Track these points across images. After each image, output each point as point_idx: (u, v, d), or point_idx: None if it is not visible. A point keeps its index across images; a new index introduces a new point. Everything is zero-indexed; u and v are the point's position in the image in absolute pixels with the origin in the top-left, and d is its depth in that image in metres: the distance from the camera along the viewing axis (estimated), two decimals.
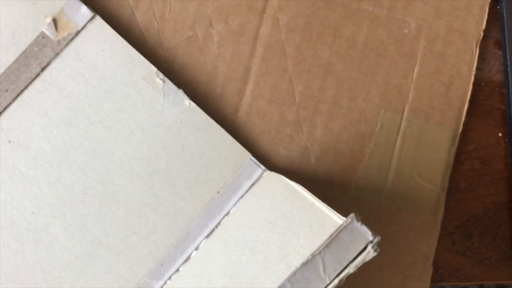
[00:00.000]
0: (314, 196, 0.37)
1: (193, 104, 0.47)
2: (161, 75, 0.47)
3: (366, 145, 0.49)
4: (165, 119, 0.46)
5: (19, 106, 0.46)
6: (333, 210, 0.34)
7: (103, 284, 0.45)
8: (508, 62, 0.51)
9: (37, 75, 0.46)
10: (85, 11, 0.46)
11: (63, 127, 0.46)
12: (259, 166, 0.46)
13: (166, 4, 0.49)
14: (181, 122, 0.47)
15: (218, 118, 0.49)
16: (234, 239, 0.42)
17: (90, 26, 0.47)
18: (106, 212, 0.46)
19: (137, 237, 0.46)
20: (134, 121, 0.46)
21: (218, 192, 0.46)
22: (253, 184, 0.46)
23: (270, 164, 0.49)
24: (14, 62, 0.46)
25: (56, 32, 0.46)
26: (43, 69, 0.46)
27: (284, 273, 0.32)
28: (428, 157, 0.49)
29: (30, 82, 0.46)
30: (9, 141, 0.46)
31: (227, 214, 0.46)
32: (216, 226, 0.46)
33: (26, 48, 0.46)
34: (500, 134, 0.52)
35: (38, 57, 0.46)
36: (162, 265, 0.45)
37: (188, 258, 0.45)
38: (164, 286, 0.45)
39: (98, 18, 0.47)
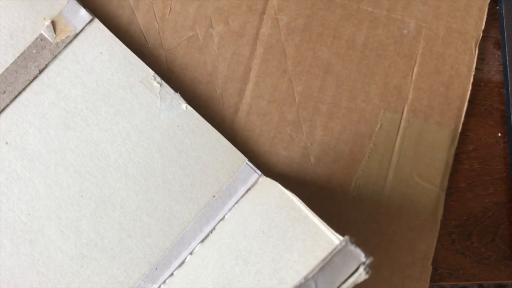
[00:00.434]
0: (308, 208, 0.37)
1: (189, 108, 0.47)
2: (158, 79, 0.47)
3: (366, 145, 0.49)
4: (161, 122, 0.47)
5: (16, 107, 0.46)
6: (326, 225, 0.34)
7: (97, 286, 0.45)
8: (508, 63, 0.51)
9: (35, 77, 0.46)
10: (83, 14, 0.46)
11: (60, 129, 0.46)
12: (255, 171, 0.46)
13: (167, 4, 0.49)
14: (178, 126, 0.47)
15: (218, 118, 0.49)
16: (228, 246, 0.42)
17: (88, 29, 0.47)
18: (101, 215, 0.46)
19: (132, 240, 0.46)
20: (130, 124, 0.46)
21: (214, 196, 0.46)
22: (248, 189, 0.46)
23: (270, 164, 0.49)
24: (12, 64, 0.46)
25: (54, 35, 0.46)
26: (41, 71, 0.46)
27: None
28: (427, 157, 0.49)
29: (28, 84, 0.46)
30: (6, 143, 0.46)
31: (222, 219, 0.46)
32: (211, 231, 0.46)
33: (24, 50, 0.46)
34: (499, 134, 0.52)
35: (36, 59, 0.46)
36: (156, 269, 0.45)
37: (182, 262, 0.45)
38: None
39: (96, 21, 0.47)
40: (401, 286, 0.49)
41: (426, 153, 0.49)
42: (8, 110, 0.46)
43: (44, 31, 0.46)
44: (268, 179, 0.45)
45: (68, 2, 0.46)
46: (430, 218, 0.49)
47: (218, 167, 0.47)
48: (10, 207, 0.45)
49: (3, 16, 0.46)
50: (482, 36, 0.51)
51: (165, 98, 0.47)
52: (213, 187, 0.46)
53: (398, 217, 0.49)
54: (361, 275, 0.31)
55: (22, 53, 0.46)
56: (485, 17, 0.50)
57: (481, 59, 0.52)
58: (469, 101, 0.50)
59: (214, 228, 0.46)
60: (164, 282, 0.45)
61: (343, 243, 0.30)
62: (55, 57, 0.46)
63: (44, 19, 0.46)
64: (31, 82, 0.46)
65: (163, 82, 0.47)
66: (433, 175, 0.49)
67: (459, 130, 0.50)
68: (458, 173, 0.51)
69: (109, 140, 0.46)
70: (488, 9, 0.51)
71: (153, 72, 0.47)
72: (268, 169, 0.49)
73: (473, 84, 0.50)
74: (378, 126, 0.49)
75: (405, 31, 0.50)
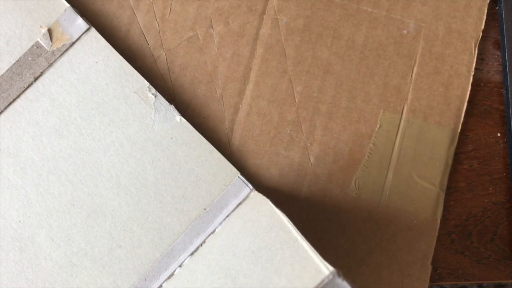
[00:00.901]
0: (297, 229, 0.38)
1: (183, 120, 0.47)
2: (153, 90, 0.47)
3: (366, 145, 0.49)
4: (155, 134, 0.47)
5: (10, 114, 0.46)
6: (314, 250, 0.34)
7: None
8: (507, 63, 0.51)
9: (30, 85, 0.46)
10: (80, 23, 0.46)
11: (53, 137, 0.46)
12: (247, 185, 0.46)
13: (167, 5, 0.49)
14: (171, 138, 0.47)
15: (218, 118, 0.49)
16: (218, 263, 0.42)
17: (84, 38, 0.47)
18: (92, 224, 0.46)
19: (122, 250, 0.46)
20: (124, 135, 0.46)
21: (205, 209, 0.46)
22: (240, 203, 0.46)
23: (270, 164, 0.49)
24: (7, 70, 0.46)
25: (50, 43, 0.46)
26: (36, 78, 0.46)
27: None
28: (427, 157, 0.50)
29: (23, 91, 0.46)
30: None
31: (212, 232, 0.46)
32: (201, 244, 0.46)
33: (20, 57, 0.46)
34: (498, 134, 0.52)
35: (31, 67, 0.46)
36: (145, 280, 0.45)
37: (171, 274, 0.45)
38: None
39: (93, 30, 0.47)
40: (401, 285, 0.49)
41: (426, 153, 0.50)
42: (2, 116, 0.46)
43: (41, 39, 0.46)
44: (260, 194, 0.45)
45: (65, 10, 0.46)
46: (429, 217, 0.49)
47: (210, 180, 0.47)
48: (1, 214, 0.45)
49: (0, 23, 0.46)
50: (482, 36, 0.51)
51: (159, 110, 0.47)
52: (204, 200, 0.46)
53: (397, 217, 0.49)
54: None
55: (17, 60, 0.46)
56: (484, 17, 0.50)
57: (480, 59, 0.52)
58: (469, 101, 0.51)
59: (204, 241, 0.46)
60: None
61: (330, 276, 0.30)
62: (50, 65, 0.46)
63: (41, 26, 0.46)
64: (26, 89, 0.46)
65: (158, 94, 0.47)
66: (432, 175, 0.49)
67: (459, 130, 0.50)
68: (458, 173, 0.51)
69: (102, 150, 0.46)
70: (488, 9, 0.51)
71: (148, 83, 0.47)
72: (267, 169, 0.49)
73: (472, 84, 0.50)
74: (378, 126, 0.50)
75: (405, 31, 0.50)
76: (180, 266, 0.45)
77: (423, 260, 0.49)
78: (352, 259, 0.49)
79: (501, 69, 0.52)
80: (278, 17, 0.50)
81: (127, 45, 0.49)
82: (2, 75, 0.46)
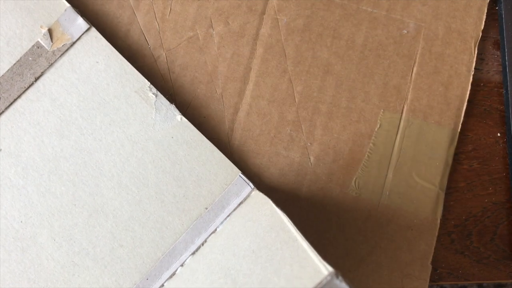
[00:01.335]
0: (297, 229, 0.38)
1: (184, 119, 0.47)
2: (154, 90, 0.47)
3: (366, 144, 0.49)
4: (156, 133, 0.47)
5: (11, 115, 0.46)
6: (314, 250, 0.34)
7: None
8: (507, 63, 0.51)
9: (31, 85, 0.46)
10: (81, 23, 0.46)
11: (54, 137, 0.46)
12: (248, 184, 0.46)
13: (167, 5, 0.49)
14: (172, 137, 0.47)
15: (218, 118, 0.49)
16: (218, 263, 0.42)
17: (85, 38, 0.47)
18: (94, 224, 0.46)
19: (124, 250, 0.46)
20: (125, 134, 0.46)
21: (206, 208, 0.46)
22: (241, 203, 0.46)
23: (270, 164, 0.49)
24: (8, 70, 0.46)
25: (51, 43, 0.46)
26: (37, 79, 0.46)
27: None
28: (427, 157, 0.50)
29: (24, 92, 0.46)
30: (0, 150, 0.46)
31: (213, 232, 0.46)
32: (202, 244, 0.46)
33: (20, 57, 0.46)
34: (498, 134, 0.52)
35: (32, 67, 0.46)
36: (147, 279, 0.45)
37: (173, 274, 0.45)
38: None
39: (93, 30, 0.47)
40: (401, 285, 0.49)
41: (426, 152, 0.50)
42: (3, 117, 0.46)
43: (41, 39, 0.46)
44: (261, 194, 0.45)
45: (65, 10, 0.46)
46: (429, 217, 0.49)
47: (211, 179, 0.47)
48: (3, 214, 0.45)
49: (0, 23, 0.46)
50: (482, 36, 0.51)
51: (160, 109, 0.47)
52: (205, 199, 0.46)
53: (397, 217, 0.49)
54: None
55: (18, 60, 0.46)
56: (484, 17, 0.51)
57: (480, 59, 0.52)
58: (469, 101, 0.51)
59: (205, 241, 0.46)
60: None
61: (328, 278, 0.31)
62: (51, 65, 0.46)
63: (41, 26, 0.46)
64: (26, 89, 0.46)
65: (159, 93, 0.47)
66: (432, 175, 0.49)
67: (459, 130, 0.50)
68: (458, 173, 0.51)
69: (103, 149, 0.46)
70: (488, 9, 0.51)
71: (149, 83, 0.47)
72: (267, 169, 0.49)
73: (472, 84, 0.50)
74: (378, 125, 0.50)
75: (405, 31, 0.50)
76: (181, 265, 0.45)
77: (423, 260, 0.49)
78: (352, 259, 0.49)
79: (501, 69, 0.52)
80: (278, 17, 0.50)
81: (127, 45, 0.49)
82: (2, 75, 0.46)
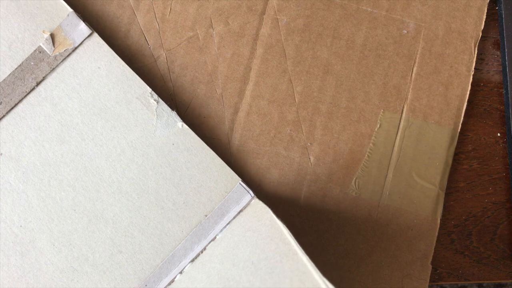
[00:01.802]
0: (296, 242, 0.38)
1: (185, 126, 0.47)
2: (155, 96, 0.47)
3: (366, 144, 0.49)
4: (156, 139, 0.47)
5: (12, 119, 0.46)
6: (314, 265, 0.34)
7: None
8: (507, 63, 0.51)
9: (32, 89, 0.46)
10: (83, 28, 0.46)
11: (55, 142, 0.46)
12: (248, 192, 0.46)
13: (167, 5, 0.49)
14: (173, 144, 0.47)
15: (218, 118, 0.49)
16: (217, 272, 0.42)
17: (87, 43, 0.47)
18: (93, 230, 0.46)
19: (123, 256, 0.46)
20: (125, 140, 0.46)
21: (206, 215, 0.46)
22: (241, 211, 0.46)
23: (270, 164, 0.49)
24: (9, 75, 0.46)
25: (53, 48, 0.46)
26: (38, 83, 0.46)
27: None
28: (427, 157, 0.50)
29: (25, 96, 0.46)
30: (1, 154, 0.46)
31: (213, 239, 0.46)
32: (202, 251, 0.46)
33: (22, 62, 0.46)
34: (498, 134, 0.52)
35: (34, 72, 0.46)
36: (146, 285, 0.45)
37: (172, 281, 0.45)
38: None
39: (95, 36, 0.47)
40: (401, 285, 0.49)
41: (426, 152, 0.50)
42: (4, 121, 0.46)
43: (43, 44, 0.46)
44: (261, 202, 0.45)
45: (68, 15, 0.46)
46: (429, 217, 0.49)
47: (211, 187, 0.47)
48: (2, 218, 0.45)
49: (2, 27, 0.46)
50: (482, 36, 0.51)
51: (161, 116, 0.47)
52: (205, 206, 0.46)
53: (397, 217, 0.49)
54: None
55: (20, 65, 0.46)
56: (484, 17, 0.51)
57: (480, 59, 0.52)
58: (469, 101, 0.51)
59: (204, 248, 0.46)
60: None
61: None
62: (52, 70, 0.46)
63: (43, 31, 0.46)
64: (28, 94, 0.46)
65: (160, 100, 0.47)
66: (432, 175, 0.49)
67: (459, 130, 0.50)
68: (458, 173, 0.51)
69: (104, 155, 0.46)
70: (488, 9, 0.51)
71: (150, 89, 0.47)
72: (267, 169, 0.49)
73: (472, 84, 0.50)
74: (378, 125, 0.50)
75: (405, 31, 0.50)
76: (180, 272, 0.45)
77: (423, 260, 0.49)
78: (352, 259, 0.49)
79: (501, 69, 0.52)
80: (278, 17, 0.50)
81: (127, 45, 0.49)
82: (4, 79, 0.46)
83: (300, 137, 0.49)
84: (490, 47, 0.52)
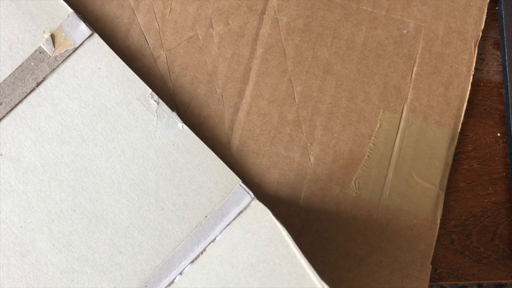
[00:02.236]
0: (295, 244, 0.38)
1: (185, 127, 0.47)
2: (156, 97, 0.47)
3: (365, 144, 0.49)
4: (157, 140, 0.47)
5: (12, 119, 0.46)
6: (312, 268, 0.34)
7: None
8: (507, 63, 0.51)
9: (32, 90, 0.46)
10: (83, 28, 0.46)
11: (55, 143, 0.46)
12: (248, 193, 0.46)
13: (167, 5, 0.49)
14: (173, 145, 0.47)
15: (218, 118, 0.49)
16: (217, 274, 0.42)
17: (87, 44, 0.47)
18: (93, 230, 0.46)
19: (123, 257, 0.46)
20: (126, 141, 0.46)
21: (206, 216, 0.46)
22: (241, 212, 0.46)
23: (270, 164, 0.49)
24: (10, 75, 0.46)
25: (53, 48, 0.46)
26: (38, 84, 0.46)
27: None
28: (427, 157, 0.50)
29: (25, 97, 0.46)
30: (1, 154, 0.46)
31: (213, 240, 0.46)
32: (202, 252, 0.46)
33: (22, 62, 0.46)
34: (498, 134, 0.52)
35: (34, 72, 0.46)
36: (146, 286, 0.45)
37: (172, 282, 0.45)
38: None
39: (96, 36, 0.47)
40: (401, 285, 0.49)
41: (426, 152, 0.50)
42: (4, 121, 0.46)
43: (43, 44, 0.46)
44: (260, 204, 0.45)
45: (68, 16, 0.46)
46: (429, 217, 0.49)
47: (211, 188, 0.47)
48: (2, 219, 0.45)
49: (3, 28, 0.46)
50: (482, 36, 0.51)
51: (161, 117, 0.47)
52: (205, 207, 0.46)
53: (397, 217, 0.49)
54: None
55: (20, 65, 0.46)
56: (484, 17, 0.51)
57: (480, 59, 0.52)
58: (469, 101, 0.51)
59: (204, 250, 0.46)
60: None
61: None
62: (53, 70, 0.46)
63: (44, 32, 0.46)
64: (28, 94, 0.46)
65: (160, 100, 0.47)
66: (432, 175, 0.49)
67: (459, 130, 0.50)
68: (458, 173, 0.51)
69: (104, 156, 0.46)
70: (488, 9, 0.51)
71: (151, 90, 0.47)
72: (267, 169, 0.49)
73: (472, 84, 0.50)
74: (378, 125, 0.50)
75: (405, 31, 0.50)
76: (180, 273, 0.45)
77: (423, 260, 0.49)
78: (352, 259, 0.49)
79: (501, 69, 0.52)
80: (278, 17, 0.50)
81: (127, 45, 0.49)
82: (4, 80, 0.46)
83: (300, 137, 0.49)
84: (490, 47, 0.52)
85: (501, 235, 0.51)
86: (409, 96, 0.50)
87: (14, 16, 0.46)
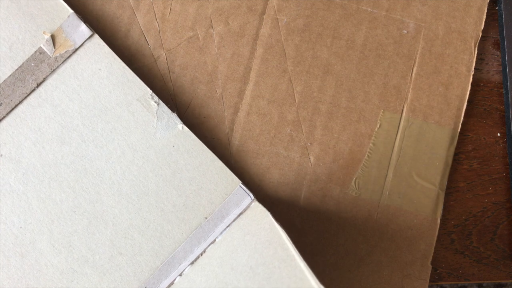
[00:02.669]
0: (294, 247, 0.38)
1: (186, 128, 0.47)
2: (156, 98, 0.47)
3: (365, 144, 0.49)
4: (157, 141, 0.47)
5: (12, 120, 0.46)
6: (311, 271, 0.34)
7: None
8: (507, 63, 0.51)
9: (33, 91, 0.46)
10: (84, 29, 0.46)
11: (55, 143, 0.46)
12: (248, 195, 0.46)
13: (167, 5, 0.49)
14: (173, 146, 0.47)
15: (218, 118, 0.49)
16: (216, 276, 0.42)
17: (88, 45, 0.47)
18: (93, 231, 0.46)
19: (123, 258, 0.46)
20: (126, 142, 0.46)
21: (206, 218, 0.46)
22: (241, 213, 0.46)
23: (270, 164, 0.49)
24: (10, 76, 0.46)
25: (53, 49, 0.46)
26: (38, 84, 0.46)
27: None
28: (427, 157, 0.50)
29: (25, 97, 0.46)
30: (1, 155, 0.46)
31: (213, 242, 0.46)
32: (201, 254, 0.46)
33: (23, 63, 0.46)
34: (498, 134, 0.52)
35: (34, 73, 0.46)
36: (145, 287, 0.45)
37: (172, 283, 0.45)
38: None
39: (96, 37, 0.47)
40: (401, 285, 0.49)
41: (426, 152, 0.50)
42: (4, 122, 0.46)
43: (44, 45, 0.46)
44: (260, 205, 0.45)
45: (68, 16, 0.46)
46: (429, 217, 0.49)
47: (211, 189, 0.47)
48: (2, 220, 0.45)
49: (3, 28, 0.46)
50: (482, 36, 0.51)
51: (161, 118, 0.47)
52: (205, 209, 0.46)
53: (397, 217, 0.49)
54: None
55: (20, 66, 0.46)
56: (484, 17, 0.51)
57: (480, 59, 0.52)
58: (469, 101, 0.51)
59: (204, 251, 0.46)
60: None
61: None
62: (53, 71, 0.46)
63: (44, 32, 0.46)
64: (28, 95, 0.46)
65: (160, 101, 0.47)
66: (432, 175, 0.49)
67: (459, 130, 0.50)
68: (458, 173, 0.51)
69: (104, 157, 0.46)
70: (488, 9, 0.51)
71: (151, 91, 0.47)
72: (267, 169, 0.49)
73: (472, 84, 0.50)
74: (378, 125, 0.50)
75: (405, 31, 0.50)
76: (180, 275, 0.45)
77: (423, 260, 0.49)
78: (352, 259, 0.49)
79: (501, 69, 0.52)
80: (278, 17, 0.50)
81: (127, 45, 0.49)
82: (4, 80, 0.46)
83: (300, 137, 0.49)
84: (490, 47, 0.52)
85: (501, 235, 0.51)
86: (409, 96, 0.50)
87: (14, 16, 0.46)
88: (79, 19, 0.46)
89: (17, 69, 0.46)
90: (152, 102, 0.47)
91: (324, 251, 0.49)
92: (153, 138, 0.47)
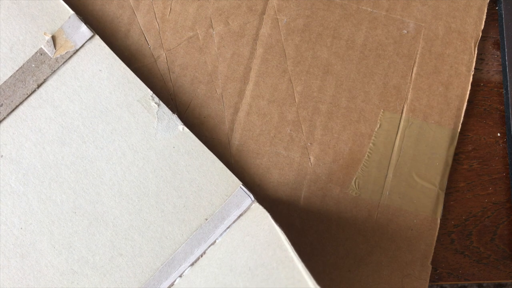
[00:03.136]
0: (293, 248, 0.38)
1: (186, 129, 0.47)
2: (156, 99, 0.47)
3: (366, 144, 0.49)
4: (157, 143, 0.47)
5: (13, 121, 0.46)
6: (309, 273, 0.34)
7: None
8: (507, 63, 0.51)
9: (33, 92, 0.46)
10: (84, 30, 0.46)
11: (56, 144, 0.46)
12: (249, 196, 0.46)
13: (167, 5, 0.49)
14: (173, 147, 0.47)
15: (218, 118, 0.49)
16: (215, 277, 0.42)
17: (88, 46, 0.47)
18: (94, 232, 0.46)
19: (123, 259, 0.46)
20: (126, 143, 0.46)
21: (206, 219, 0.46)
22: (241, 215, 0.46)
23: (270, 164, 0.49)
24: (10, 77, 0.46)
25: (54, 50, 0.46)
26: (39, 85, 0.46)
27: None
28: (427, 157, 0.50)
29: (26, 98, 0.46)
30: (1, 156, 0.46)
31: (213, 243, 0.46)
32: (201, 255, 0.46)
33: (23, 64, 0.46)
34: (498, 134, 0.52)
35: (35, 74, 0.46)
36: None
37: (172, 284, 0.45)
38: None
39: (97, 38, 0.47)
40: (401, 285, 0.49)
41: (426, 152, 0.50)
42: (4, 123, 0.46)
43: (44, 46, 0.46)
44: (260, 207, 0.45)
45: (69, 17, 0.46)
46: (429, 217, 0.49)
47: (212, 190, 0.47)
48: (3, 221, 0.45)
49: (4, 29, 0.46)
50: (482, 36, 0.51)
51: (162, 119, 0.47)
52: (206, 210, 0.46)
53: (397, 217, 0.49)
54: None
55: (21, 67, 0.46)
56: (484, 17, 0.51)
57: (480, 59, 0.52)
58: (469, 101, 0.51)
59: (204, 252, 0.46)
60: None
61: None
62: (54, 72, 0.46)
63: (45, 33, 0.46)
64: (29, 96, 0.46)
65: (161, 103, 0.47)
66: (432, 175, 0.49)
67: (459, 130, 0.50)
68: (458, 173, 0.51)
69: (105, 158, 0.46)
70: (488, 9, 0.51)
71: (151, 92, 0.47)
72: (267, 169, 0.49)
73: (472, 84, 0.50)
74: (378, 125, 0.50)
75: (405, 31, 0.50)
76: (180, 276, 0.45)
77: (423, 260, 0.49)
78: (352, 259, 0.49)
79: (501, 69, 0.52)
80: (278, 17, 0.50)
81: (127, 45, 0.49)
82: (5, 81, 0.46)
83: (300, 137, 0.49)
84: (490, 47, 0.52)
85: (501, 235, 0.51)
86: (409, 96, 0.50)
87: (15, 17, 0.46)
88: (79, 20, 0.46)
89: (17, 70, 0.46)
90: (153, 103, 0.47)
91: (324, 251, 0.49)
92: (154, 139, 0.47)
